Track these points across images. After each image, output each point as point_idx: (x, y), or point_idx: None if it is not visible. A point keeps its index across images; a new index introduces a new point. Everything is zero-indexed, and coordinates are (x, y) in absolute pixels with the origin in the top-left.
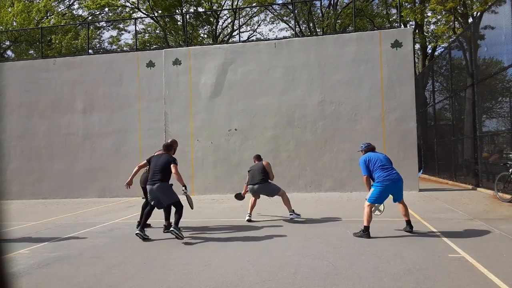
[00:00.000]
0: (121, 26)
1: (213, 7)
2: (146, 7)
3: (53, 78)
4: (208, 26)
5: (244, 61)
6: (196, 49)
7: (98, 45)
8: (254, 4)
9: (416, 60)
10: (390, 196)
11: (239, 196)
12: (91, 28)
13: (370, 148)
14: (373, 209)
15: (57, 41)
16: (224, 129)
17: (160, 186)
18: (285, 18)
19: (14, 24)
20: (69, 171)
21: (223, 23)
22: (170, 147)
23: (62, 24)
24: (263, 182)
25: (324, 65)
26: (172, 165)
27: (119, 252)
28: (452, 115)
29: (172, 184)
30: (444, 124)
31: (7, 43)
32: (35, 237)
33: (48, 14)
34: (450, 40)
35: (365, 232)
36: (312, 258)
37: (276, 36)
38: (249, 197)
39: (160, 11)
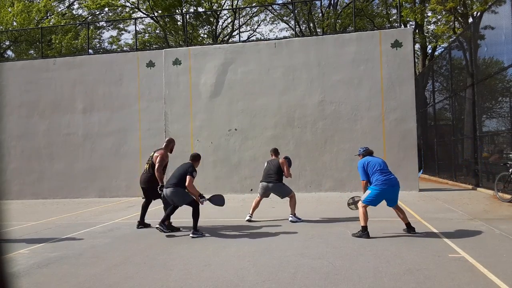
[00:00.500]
0: (121, 26)
1: (213, 7)
2: (146, 7)
3: (53, 78)
4: (208, 26)
5: (244, 61)
6: (196, 49)
7: (98, 45)
8: (254, 4)
9: (416, 60)
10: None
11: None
12: (91, 28)
13: (368, 152)
14: (349, 201)
15: (57, 41)
16: (224, 129)
17: (173, 190)
18: (285, 18)
19: (14, 24)
20: (69, 171)
21: (223, 23)
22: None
23: (62, 24)
24: (277, 182)
25: (324, 65)
26: (187, 177)
27: (119, 252)
28: (452, 115)
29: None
30: (444, 124)
31: (7, 43)
32: (35, 237)
33: (48, 14)
34: (450, 40)
35: (364, 232)
36: (312, 258)
37: (276, 36)
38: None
39: (160, 11)
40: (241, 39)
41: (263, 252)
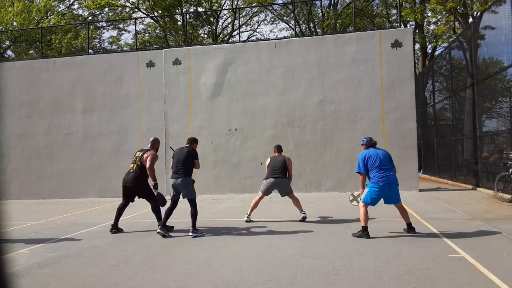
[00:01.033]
0: (121, 26)
1: (213, 7)
2: (146, 7)
3: (53, 78)
4: (208, 26)
5: (244, 61)
6: (196, 49)
7: (98, 45)
8: (254, 4)
9: (416, 60)
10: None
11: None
12: (91, 28)
13: (371, 143)
14: (350, 199)
15: (57, 41)
16: (224, 129)
17: (184, 179)
18: (285, 18)
19: (14, 24)
20: (69, 171)
21: (223, 23)
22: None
23: (62, 24)
24: (284, 177)
25: (324, 65)
26: (196, 161)
27: (119, 252)
28: (452, 115)
29: (194, 181)
30: (444, 124)
31: (7, 43)
32: (35, 237)
33: (48, 14)
34: (450, 40)
35: (364, 232)
36: (312, 258)
37: (276, 36)
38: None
39: (160, 11)
40: (241, 39)
41: (263, 252)
